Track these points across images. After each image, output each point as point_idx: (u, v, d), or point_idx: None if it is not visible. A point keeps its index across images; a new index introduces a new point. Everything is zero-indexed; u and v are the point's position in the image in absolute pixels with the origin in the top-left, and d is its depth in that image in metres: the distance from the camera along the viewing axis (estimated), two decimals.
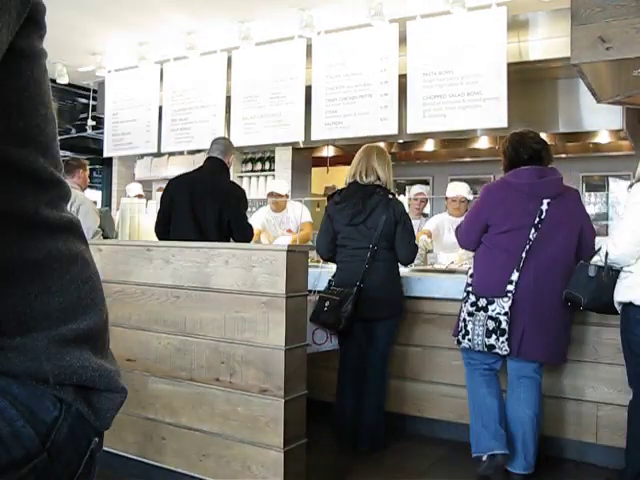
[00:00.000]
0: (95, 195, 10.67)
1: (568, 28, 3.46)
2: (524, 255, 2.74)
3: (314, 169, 7.10)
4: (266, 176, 6.55)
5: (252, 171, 6.70)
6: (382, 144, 6.98)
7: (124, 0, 4.79)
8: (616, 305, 2.63)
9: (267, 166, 6.57)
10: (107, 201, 8.79)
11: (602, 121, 4.95)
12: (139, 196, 6.16)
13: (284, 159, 6.26)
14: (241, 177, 6.78)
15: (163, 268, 2.73)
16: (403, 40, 4.88)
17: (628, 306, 2.56)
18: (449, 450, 3.25)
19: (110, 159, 7.31)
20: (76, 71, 6.38)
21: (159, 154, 6.59)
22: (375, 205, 3.14)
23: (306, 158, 6.63)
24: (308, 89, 5.33)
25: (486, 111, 4.52)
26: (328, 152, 7.12)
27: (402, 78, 4.89)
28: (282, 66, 5.46)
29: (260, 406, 2.45)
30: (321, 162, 7.31)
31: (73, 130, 8.63)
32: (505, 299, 2.73)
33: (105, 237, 4.41)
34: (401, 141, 6.54)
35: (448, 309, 3.35)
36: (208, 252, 2.62)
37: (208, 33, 5.46)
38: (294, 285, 2.46)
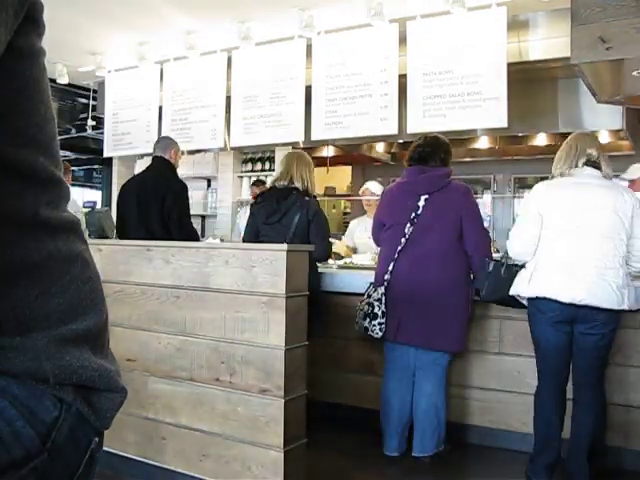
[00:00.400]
0: (95, 195, 10.67)
1: (568, 28, 3.46)
2: (399, 248, 3.05)
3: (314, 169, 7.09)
4: (266, 176, 6.55)
5: (252, 171, 6.70)
6: (381, 144, 7.03)
7: (124, 0, 4.79)
8: (520, 300, 2.86)
9: (267, 166, 6.57)
10: (107, 201, 8.78)
11: (602, 121, 4.95)
12: None
13: None
14: (241, 177, 6.78)
15: (163, 268, 2.73)
16: (403, 40, 4.88)
17: (528, 300, 2.79)
18: (449, 450, 3.25)
19: (110, 159, 7.31)
20: (76, 71, 6.38)
21: None
22: (290, 205, 3.35)
23: None
24: (308, 89, 5.33)
25: (486, 111, 4.52)
26: (328, 152, 7.11)
27: (402, 78, 4.88)
28: (282, 66, 5.46)
29: (260, 406, 2.45)
30: (321, 162, 7.31)
31: (73, 130, 8.63)
32: (381, 287, 3.08)
33: (105, 237, 4.42)
34: (401, 141, 6.53)
35: None
36: (208, 252, 2.62)
37: (208, 33, 5.45)
38: (294, 285, 2.46)
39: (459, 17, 4.63)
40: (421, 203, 3.02)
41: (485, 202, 8.63)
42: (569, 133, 5.51)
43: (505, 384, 3.28)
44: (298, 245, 3.00)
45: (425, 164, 3.10)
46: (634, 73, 3.55)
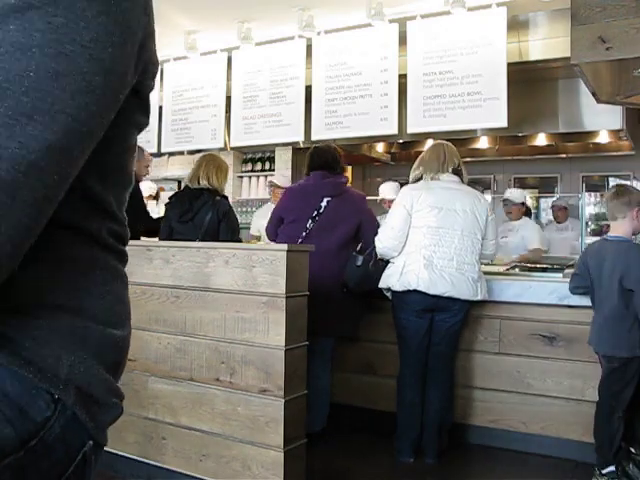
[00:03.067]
0: None
1: (568, 28, 3.46)
2: (299, 241, 3.21)
3: None
4: (266, 176, 6.55)
5: (252, 171, 6.70)
6: (381, 144, 7.03)
7: None
8: (384, 291, 3.15)
9: (267, 166, 6.57)
10: None
11: (602, 121, 4.95)
12: (149, 197, 6.13)
13: (284, 159, 6.26)
14: (241, 177, 6.78)
15: (163, 268, 2.73)
16: (403, 40, 4.88)
17: (394, 292, 3.06)
18: (449, 450, 3.25)
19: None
20: None
21: (159, 154, 6.58)
22: (202, 205, 3.54)
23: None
24: (308, 89, 5.33)
25: (486, 111, 4.52)
26: None
27: (402, 78, 4.88)
28: (282, 66, 5.46)
29: (260, 406, 2.45)
30: None
31: None
32: None
33: None
34: (401, 141, 6.54)
35: None
36: (208, 252, 2.62)
37: (208, 33, 5.46)
38: (294, 285, 2.46)
39: (459, 17, 4.64)
40: (323, 204, 3.25)
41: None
42: (569, 133, 5.58)
43: (505, 384, 3.28)
44: (298, 245, 3.01)
45: (328, 171, 3.33)
46: (634, 73, 3.55)
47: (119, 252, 0.81)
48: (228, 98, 5.79)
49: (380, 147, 7.17)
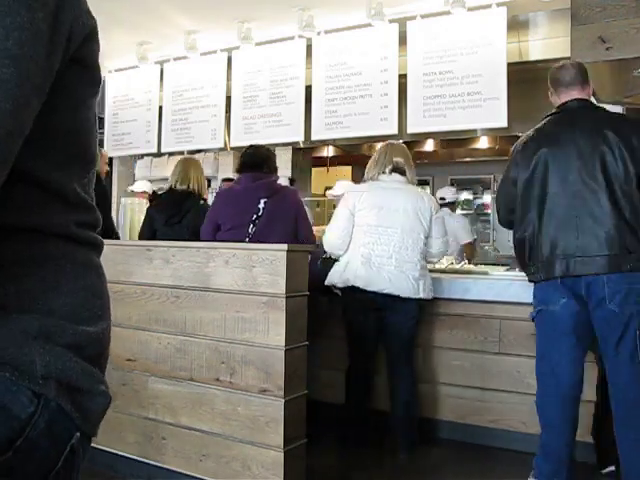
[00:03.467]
0: None
1: (568, 28, 3.46)
2: None
3: (314, 169, 7.11)
4: None
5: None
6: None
7: (124, 0, 4.79)
8: (333, 289, 3.22)
9: None
10: None
11: None
12: (143, 194, 6.09)
13: (284, 159, 6.25)
14: None
15: (163, 268, 2.73)
16: (403, 40, 4.88)
17: (342, 289, 3.13)
18: (449, 450, 3.25)
19: (110, 159, 7.30)
20: None
21: (159, 154, 6.58)
22: (189, 207, 3.61)
23: (306, 158, 6.63)
24: (308, 89, 5.33)
25: (486, 111, 4.52)
26: (328, 152, 7.12)
27: (402, 78, 4.88)
28: (282, 66, 5.46)
29: (260, 406, 2.45)
30: (321, 162, 7.32)
31: None
32: None
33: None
34: (401, 141, 6.53)
35: (448, 309, 3.36)
36: (208, 252, 2.62)
37: (208, 33, 5.46)
38: (294, 285, 2.46)
39: (459, 17, 4.64)
40: (261, 206, 3.22)
41: (485, 202, 8.63)
42: None
43: (505, 384, 3.28)
44: (299, 245, 3.01)
45: (258, 171, 3.30)
46: (634, 73, 3.55)
47: (91, 242, 0.79)
48: (228, 98, 5.79)
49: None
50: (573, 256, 2.41)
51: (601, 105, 2.77)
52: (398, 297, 3.03)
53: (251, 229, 3.21)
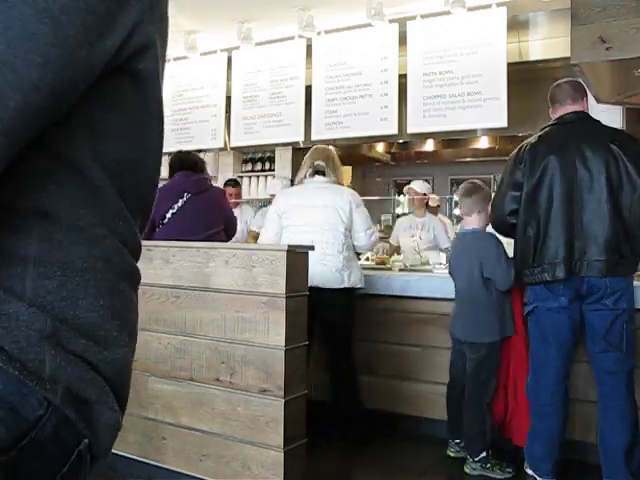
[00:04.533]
0: None
1: (568, 28, 3.46)
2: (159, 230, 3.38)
3: None
4: (266, 176, 6.55)
5: (252, 171, 6.70)
6: (381, 144, 7.03)
7: None
8: None
9: (267, 166, 6.57)
10: None
11: (602, 121, 4.94)
12: None
13: (284, 159, 6.26)
14: (241, 177, 6.77)
15: (163, 268, 2.73)
16: (403, 40, 4.88)
17: None
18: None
19: None
20: None
21: None
22: None
23: None
24: (308, 89, 5.33)
25: (486, 111, 4.52)
26: None
27: (402, 78, 4.89)
28: (282, 66, 5.46)
29: (260, 406, 2.45)
30: None
31: None
32: None
33: None
34: (401, 141, 6.54)
35: (447, 309, 3.36)
36: (208, 252, 2.62)
37: (208, 33, 5.46)
38: (294, 285, 2.46)
39: (459, 17, 4.64)
40: (184, 199, 3.40)
41: None
42: None
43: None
44: (299, 245, 3.01)
45: (190, 171, 3.53)
46: (634, 73, 3.55)
47: (126, 271, 0.75)
48: (228, 98, 5.79)
49: (380, 147, 7.17)
50: (576, 260, 2.58)
51: (596, 116, 2.98)
52: (324, 289, 3.11)
53: (169, 215, 3.39)
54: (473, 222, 3.06)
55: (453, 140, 6.52)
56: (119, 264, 0.74)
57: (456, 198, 6.01)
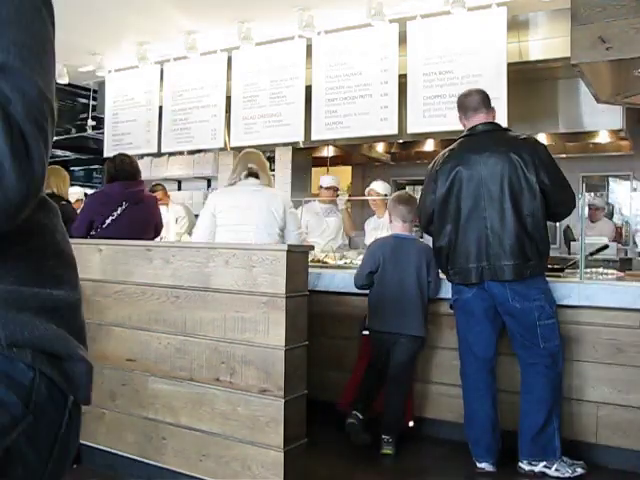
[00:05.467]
0: None
1: (568, 28, 3.46)
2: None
3: (314, 169, 7.10)
4: None
5: None
6: (381, 144, 7.02)
7: (124, 0, 4.78)
8: None
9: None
10: None
11: (602, 121, 4.95)
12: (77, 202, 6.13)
13: (284, 159, 6.25)
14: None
15: (163, 268, 2.73)
16: (403, 40, 4.88)
17: None
18: (449, 450, 3.25)
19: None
20: (76, 71, 6.38)
21: (159, 154, 6.58)
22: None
23: (306, 158, 6.63)
24: (308, 89, 5.33)
25: None
26: (328, 152, 7.11)
27: (402, 78, 4.88)
28: (282, 66, 5.46)
29: (260, 406, 2.45)
30: (321, 162, 7.31)
31: (73, 130, 8.64)
32: None
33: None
34: (401, 141, 6.53)
35: (447, 309, 3.36)
36: (208, 252, 2.62)
37: (208, 33, 5.45)
38: (294, 285, 2.46)
39: (459, 17, 4.64)
40: (122, 207, 3.61)
41: None
42: (569, 133, 5.58)
43: (505, 384, 3.27)
44: (298, 245, 3.02)
45: (132, 180, 3.73)
46: (634, 73, 3.55)
47: (42, 200, 0.77)
48: (228, 98, 5.79)
49: (380, 147, 7.17)
50: (485, 265, 2.84)
51: (505, 127, 3.16)
52: None
53: (105, 225, 3.60)
54: (405, 229, 3.37)
55: (453, 140, 6.51)
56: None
57: None
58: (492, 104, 3.11)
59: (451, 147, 3.07)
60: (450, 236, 2.93)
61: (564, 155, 6.92)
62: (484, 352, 2.95)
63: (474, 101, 3.06)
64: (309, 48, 5.31)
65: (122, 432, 2.77)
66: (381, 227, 5.11)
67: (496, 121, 3.09)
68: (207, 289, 2.61)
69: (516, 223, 2.78)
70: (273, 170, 6.39)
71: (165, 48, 5.82)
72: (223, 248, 2.63)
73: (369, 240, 5.09)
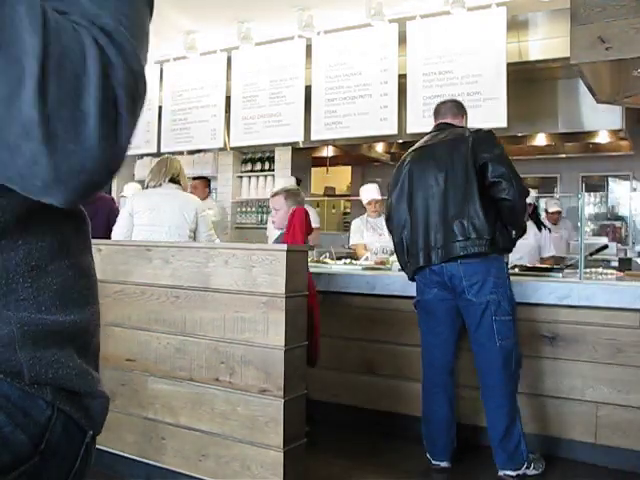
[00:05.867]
0: None
1: (568, 28, 3.46)
2: None
3: (314, 169, 7.11)
4: (266, 176, 6.55)
5: (252, 171, 6.70)
6: (381, 144, 7.03)
7: None
8: None
9: (267, 166, 6.57)
10: None
11: (602, 121, 4.95)
12: None
13: (284, 159, 6.26)
14: (241, 177, 6.78)
15: (163, 268, 2.73)
16: (403, 40, 4.88)
17: None
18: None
19: None
20: None
21: (159, 154, 6.58)
22: None
23: (306, 158, 6.63)
24: (308, 89, 5.33)
25: (486, 111, 4.52)
26: (328, 152, 7.12)
27: (402, 78, 4.89)
28: (282, 66, 5.46)
29: (260, 406, 2.45)
30: (321, 162, 7.32)
31: None
32: None
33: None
34: (401, 141, 6.53)
35: None
36: (208, 252, 2.62)
37: (208, 33, 5.46)
38: (294, 285, 2.45)
39: (459, 17, 4.64)
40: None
41: None
42: (569, 133, 5.58)
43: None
44: (298, 245, 3.01)
45: None
46: (634, 73, 3.55)
47: (74, 212, 0.73)
48: (228, 98, 5.79)
49: (380, 147, 7.17)
50: (434, 248, 2.89)
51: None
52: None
53: None
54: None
55: None
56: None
57: None
58: (465, 115, 3.22)
59: (413, 147, 3.19)
60: (407, 229, 3.03)
61: (564, 155, 6.94)
62: (444, 353, 3.00)
63: (444, 108, 3.21)
64: (309, 48, 5.31)
65: (122, 432, 2.77)
66: (368, 228, 5.08)
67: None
68: (207, 289, 2.61)
69: (463, 208, 2.84)
70: (273, 170, 6.41)
71: (165, 48, 5.82)
72: (223, 248, 2.63)
73: (355, 240, 5.10)
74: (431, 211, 2.93)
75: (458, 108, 3.22)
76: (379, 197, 5.21)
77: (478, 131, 2.96)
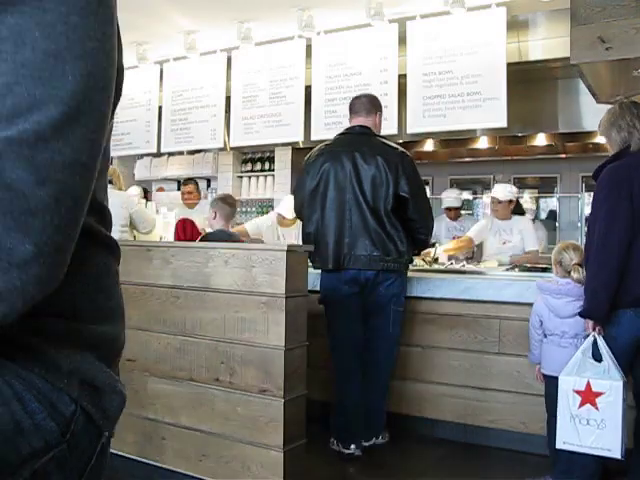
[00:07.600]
0: None
1: (568, 28, 3.45)
2: None
3: None
4: (266, 176, 6.55)
5: (252, 171, 6.70)
6: None
7: (124, 0, 4.78)
8: None
9: (267, 166, 6.57)
10: None
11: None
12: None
13: (284, 159, 6.25)
14: (240, 177, 6.78)
15: (163, 268, 2.73)
16: (403, 40, 4.88)
17: None
18: (449, 450, 3.25)
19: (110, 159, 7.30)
20: None
21: (159, 154, 6.58)
22: None
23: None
24: (308, 89, 5.33)
25: (486, 111, 4.52)
26: None
27: (402, 78, 4.88)
28: (282, 66, 5.46)
29: (260, 406, 2.45)
30: None
31: None
32: None
33: None
34: (401, 141, 6.52)
35: (447, 309, 3.36)
36: (208, 252, 2.62)
37: (208, 33, 5.45)
38: (294, 285, 2.46)
39: (459, 17, 4.63)
40: None
41: (485, 202, 8.63)
42: (569, 133, 5.58)
43: (505, 384, 3.28)
44: (298, 245, 3.02)
45: None
46: (634, 73, 3.55)
47: (107, 243, 0.85)
48: (228, 98, 5.79)
49: None
50: (344, 254, 3.06)
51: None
52: None
53: None
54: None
55: (453, 140, 6.52)
56: (102, 239, 0.84)
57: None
58: (379, 111, 3.29)
59: (326, 143, 3.29)
60: (317, 224, 3.15)
61: (564, 155, 6.94)
62: (354, 342, 3.14)
63: (357, 104, 3.27)
64: (309, 48, 5.31)
65: (122, 432, 2.77)
66: (508, 231, 4.80)
67: (379, 129, 3.32)
68: (207, 289, 2.61)
69: (375, 221, 3.04)
70: (273, 170, 6.40)
71: (165, 48, 5.82)
72: (223, 248, 2.63)
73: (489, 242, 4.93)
74: (346, 219, 3.08)
75: (372, 104, 3.28)
76: (457, 204, 5.66)
77: (404, 159, 3.09)
